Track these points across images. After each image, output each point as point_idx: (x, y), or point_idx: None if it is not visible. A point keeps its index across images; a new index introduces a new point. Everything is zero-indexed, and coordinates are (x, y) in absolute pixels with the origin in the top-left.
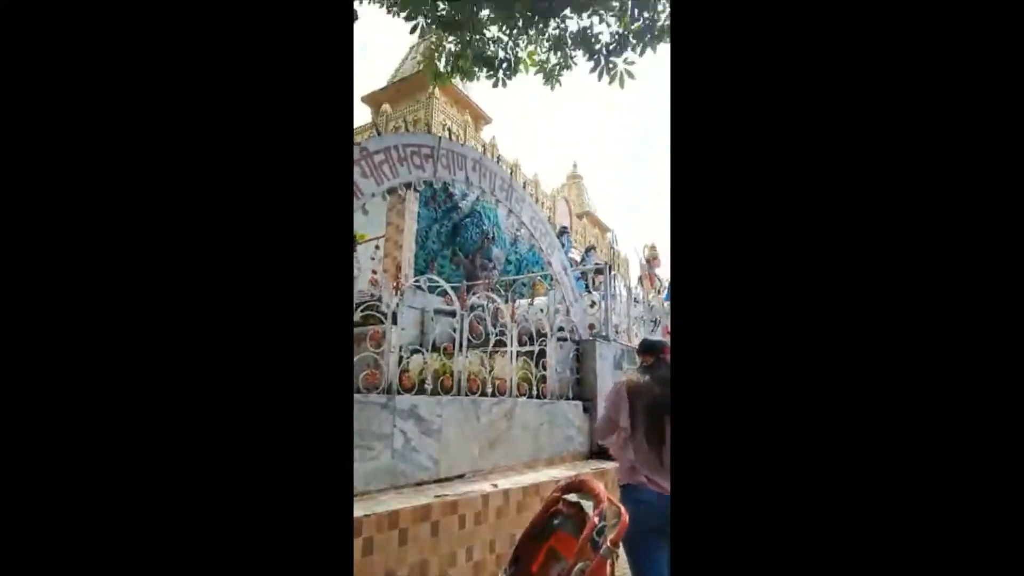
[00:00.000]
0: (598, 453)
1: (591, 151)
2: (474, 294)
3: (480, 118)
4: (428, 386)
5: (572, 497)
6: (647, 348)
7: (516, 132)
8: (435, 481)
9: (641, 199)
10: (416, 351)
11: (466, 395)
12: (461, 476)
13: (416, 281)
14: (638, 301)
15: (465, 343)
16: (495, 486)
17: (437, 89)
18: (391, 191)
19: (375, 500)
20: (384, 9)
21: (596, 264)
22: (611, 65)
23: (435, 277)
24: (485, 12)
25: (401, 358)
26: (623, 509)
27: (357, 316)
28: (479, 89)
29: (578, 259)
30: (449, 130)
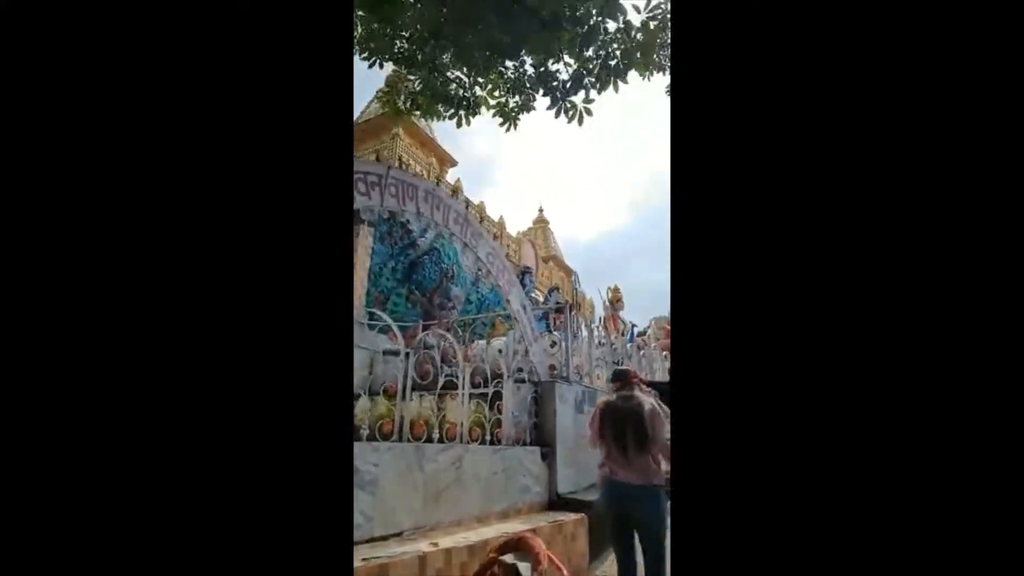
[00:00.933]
0: (558, 504)
1: (558, 195)
2: (427, 333)
3: (445, 161)
4: (364, 431)
5: (508, 558)
6: (616, 376)
7: (482, 176)
8: (367, 541)
9: (608, 242)
10: (357, 395)
11: (408, 441)
12: (398, 534)
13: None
14: (601, 343)
15: (409, 384)
16: (435, 545)
17: (402, 130)
18: None
19: None
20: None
21: (557, 303)
22: (569, 104)
23: (377, 311)
24: (447, 55)
25: None
26: (564, 570)
27: None
28: (446, 133)
29: (541, 300)
30: (407, 166)
